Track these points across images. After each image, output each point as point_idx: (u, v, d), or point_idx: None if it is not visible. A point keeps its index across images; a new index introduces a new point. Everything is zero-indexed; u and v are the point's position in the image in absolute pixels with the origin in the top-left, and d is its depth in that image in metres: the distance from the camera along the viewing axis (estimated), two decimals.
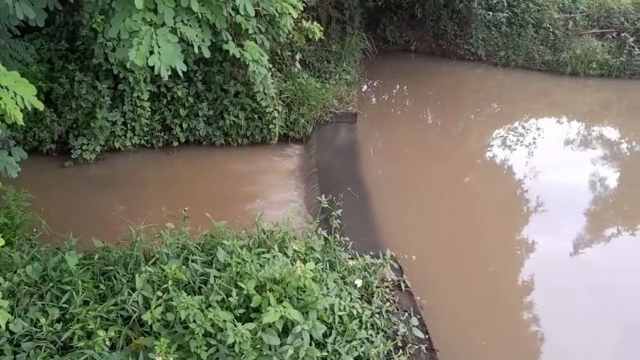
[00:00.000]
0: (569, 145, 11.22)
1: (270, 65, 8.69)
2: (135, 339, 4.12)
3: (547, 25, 15.17)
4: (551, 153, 10.61)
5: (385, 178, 9.09)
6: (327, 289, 4.61)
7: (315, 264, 4.72)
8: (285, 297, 4.25)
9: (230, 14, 4.74)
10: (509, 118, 12.64)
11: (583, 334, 5.78)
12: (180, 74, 4.35)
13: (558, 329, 5.85)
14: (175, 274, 4.31)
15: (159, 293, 4.26)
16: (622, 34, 14.98)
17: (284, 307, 4.00)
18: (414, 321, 4.91)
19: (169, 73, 4.25)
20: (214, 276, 4.43)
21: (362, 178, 8.51)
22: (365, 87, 13.71)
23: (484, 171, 10.08)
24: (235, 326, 3.84)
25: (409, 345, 4.67)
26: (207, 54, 4.55)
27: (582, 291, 6.46)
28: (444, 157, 10.16)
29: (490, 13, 15.23)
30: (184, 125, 9.14)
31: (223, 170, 8.96)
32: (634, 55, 14.68)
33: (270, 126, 9.35)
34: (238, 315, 4.10)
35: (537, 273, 6.83)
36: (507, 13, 15.16)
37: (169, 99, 9.04)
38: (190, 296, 4.05)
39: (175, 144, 9.21)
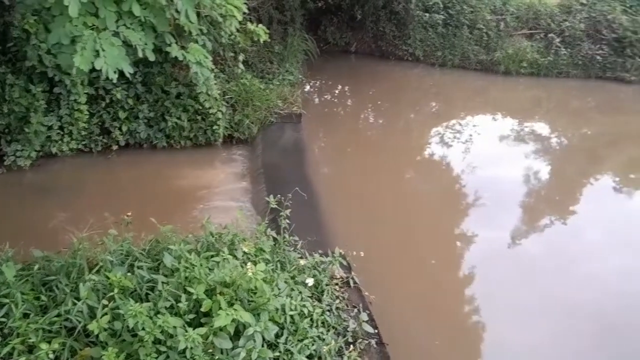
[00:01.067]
0: (504, 141, 11.67)
1: (213, 66, 8.57)
2: (80, 350, 3.96)
3: (481, 26, 15.69)
4: (487, 149, 10.99)
5: (331, 177, 9.15)
6: (278, 289, 4.59)
7: (266, 264, 4.69)
8: (236, 299, 4.19)
9: (173, 17, 4.64)
10: (446, 116, 13.00)
11: (521, 320, 5.99)
12: (128, 76, 4.24)
13: (499, 317, 6.06)
14: (121, 281, 4.16)
15: (105, 302, 4.10)
16: (549, 35, 15.72)
17: (235, 310, 3.95)
18: (364, 316, 4.97)
19: (116, 75, 4.13)
20: (162, 282, 4.31)
21: (309, 177, 8.53)
22: (308, 87, 13.76)
23: (425, 168, 10.33)
24: (186, 331, 3.76)
25: (359, 340, 4.72)
26: (151, 57, 4.45)
27: (519, 280, 6.70)
28: (386, 155, 10.32)
29: (427, 14, 15.59)
30: (124, 128, 8.83)
31: (166, 173, 8.73)
32: (560, 55, 15.44)
33: (215, 127, 9.20)
34: (188, 320, 4.01)
35: (477, 264, 7.04)
36: (442, 14, 15.55)
37: (107, 101, 8.70)
38: (137, 303, 3.93)
39: (115, 147, 8.88)
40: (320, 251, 5.67)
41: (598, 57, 15.50)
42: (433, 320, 5.95)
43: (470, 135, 11.70)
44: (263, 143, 9.57)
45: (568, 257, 7.38)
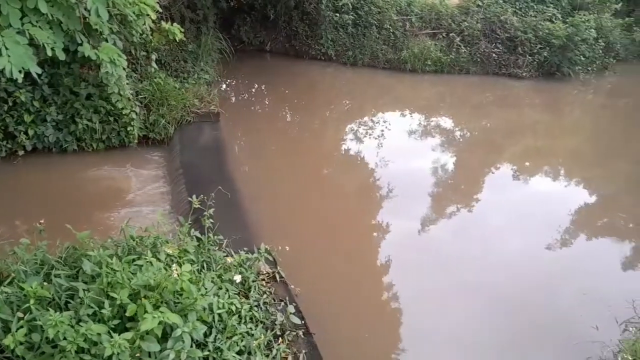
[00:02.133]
0: (413, 135, 12.15)
1: (124, 66, 8.21)
2: None
3: (388, 26, 16.17)
4: (398, 143, 11.37)
5: (252, 174, 9.08)
6: (205, 289, 4.50)
7: (191, 265, 4.58)
8: (162, 302, 4.07)
9: (83, 15, 4.39)
10: (359, 113, 13.31)
11: (437, 302, 6.24)
12: (35, 76, 3.95)
13: (416, 300, 6.29)
14: (37, 291, 3.90)
15: (20, 314, 3.83)
16: (451, 34, 16.53)
17: (162, 312, 3.83)
18: (291, 309, 4.99)
19: (22, 75, 3.85)
20: (82, 289, 4.09)
21: (230, 176, 8.41)
22: (225, 86, 13.54)
23: (342, 163, 10.51)
24: (111, 338, 3.60)
25: (287, 332, 4.74)
26: (61, 56, 4.17)
27: (432, 265, 6.98)
28: (304, 151, 10.41)
29: (338, 15, 15.83)
30: (30, 132, 8.18)
31: (79, 178, 8.24)
32: (461, 53, 16.29)
33: (129, 128, 8.79)
34: (113, 326, 3.84)
35: (393, 252, 7.25)
36: (352, 15, 15.86)
37: (10, 104, 8.02)
38: (57, 313, 3.71)
39: (21, 152, 8.23)
40: (245, 248, 5.62)
41: (494, 55, 16.53)
42: (356, 308, 6.09)
43: (382, 130, 12.06)
44: (181, 143, 9.30)
45: (474, 241, 7.77)
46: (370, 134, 11.81)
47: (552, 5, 17.82)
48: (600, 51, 17.84)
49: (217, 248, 5.39)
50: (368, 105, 13.95)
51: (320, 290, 6.08)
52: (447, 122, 13.39)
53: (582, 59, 16.92)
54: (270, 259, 5.59)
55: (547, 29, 16.49)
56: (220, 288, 4.69)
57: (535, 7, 17.65)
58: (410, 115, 13.56)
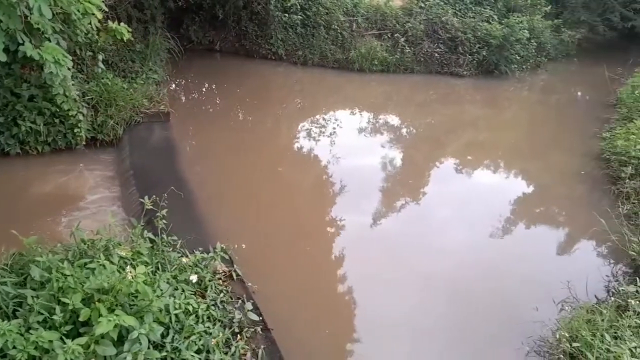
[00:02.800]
0: (362, 133, 12.25)
1: (69, 66, 7.85)
2: None
3: (336, 27, 16.21)
4: (349, 140, 11.41)
5: (205, 174, 8.89)
6: (161, 290, 4.37)
7: (145, 267, 4.44)
8: (117, 305, 3.92)
9: (24, 14, 4.14)
10: (311, 112, 13.29)
11: (389, 293, 6.30)
12: None
13: (370, 292, 6.32)
14: None
15: None
16: (395, 35, 16.75)
17: (117, 315, 3.69)
18: (248, 306, 4.93)
19: None
20: (31, 296, 3.89)
21: (183, 176, 8.21)
22: (175, 86, 13.22)
23: (295, 161, 10.46)
24: (64, 344, 3.44)
25: (246, 329, 4.68)
26: (2, 57, 3.92)
27: (383, 258, 7.03)
28: (258, 150, 10.29)
29: (286, 15, 15.73)
30: None
31: (24, 182, 7.82)
32: (405, 53, 16.54)
33: (75, 130, 8.41)
34: (65, 332, 3.67)
35: (347, 246, 7.27)
36: (300, 15, 15.80)
37: None
38: (5, 321, 3.50)
39: None
40: (201, 248, 5.50)
41: (436, 55, 16.88)
42: (313, 301, 6.08)
43: (334, 128, 12.09)
44: (130, 144, 9.00)
45: (422, 233, 7.92)
46: (322, 132, 11.82)
47: (488, 7, 18.37)
48: (533, 50, 18.58)
49: (171, 249, 5.25)
50: (319, 103, 13.96)
51: (278, 286, 6.03)
52: (394, 120, 13.57)
53: (518, 57, 17.54)
54: (227, 257, 5.49)
55: (485, 30, 16.98)
56: (176, 289, 4.57)
57: (473, 8, 18.14)
58: (360, 114, 13.66)
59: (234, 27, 15.94)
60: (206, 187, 8.15)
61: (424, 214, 8.70)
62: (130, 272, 3.98)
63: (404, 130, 13.08)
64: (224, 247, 5.45)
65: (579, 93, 18.61)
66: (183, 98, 13.10)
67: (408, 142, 12.22)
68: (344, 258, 7.14)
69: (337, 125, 12.36)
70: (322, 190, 9.31)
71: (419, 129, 13.32)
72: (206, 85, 14.02)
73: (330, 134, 11.72)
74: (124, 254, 4.60)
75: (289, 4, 15.63)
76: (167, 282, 4.57)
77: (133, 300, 4.05)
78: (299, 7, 15.75)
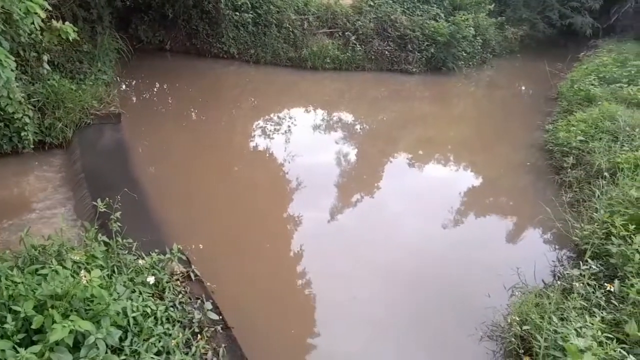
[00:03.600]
0: (317, 130, 12.31)
1: (13, 67, 7.50)
2: None
3: (287, 25, 16.17)
4: (304, 138, 11.45)
5: (159, 174, 8.72)
6: (117, 293, 4.28)
7: (101, 270, 4.33)
8: (71, 310, 3.81)
9: None
10: (265, 110, 13.24)
11: (347, 284, 6.39)
12: None
13: (329, 285, 6.39)
14: None
15: None
16: (346, 33, 16.90)
17: (72, 320, 3.59)
18: (208, 306, 4.89)
19: None
20: None
21: (136, 178, 8.02)
22: (125, 87, 12.88)
23: (251, 159, 10.41)
24: (17, 353, 3.32)
25: (206, 329, 4.64)
26: None
27: (341, 251, 7.12)
28: (213, 149, 10.18)
29: (237, 14, 15.58)
30: None
31: None
32: (356, 51, 16.72)
33: (22, 134, 8.08)
34: (18, 341, 3.54)
35: (305, 242, 7.31)
36: (252, 14, 15.68)
37: None
38: None
39: None
40: (157, 250, 5.40)
41: (387, 52, 17.15)
42: (273, 298, 6.08)
43: (288, 126, 12.10)
44: (81, 146, 8.71)
45: (378, 226, 8.02)
46: (277, 130, 11.80)
47: (435, 5, 18.81)
48: (479, 47, 19.19)
49: (127, 251, 5.14)
50: (273, 102, 13.92)
51: (237, 284, 6.00)
52: (347, 117, 13.70)
53: (464, 54, 18.07)
54: (184, 258, 5.42)
55: (432, 28, 17.38)
56: (133, 291, 4.48)
57: (421, 7, 18.53)
58: (314, 111, 13.72)
59: (185, 26, 15.65)
60: (161, 188, 8.01)
61: (379, 207, 8.82)
62: (85, 277, 3.87)
63: (357, 127, 13.23)
64: (181, 247, 5.37)
65: (523, 88, 19.33)
66: (134, 99, 12.77)
67: (362, 138, 12.36)
68: (303, 254, 7.17)
69: (292, 123, 12.38)
70: (279, 187, 9.30)
71: (371, 125, 13.50)
72: (158, 85, 13.72)
73: (285, 131, 11.72)
74: (78, 259, 4.48)
75: (239, 3, 15.49)
76: (124, 285, 4.47)
77: (89, 305, 3.95)
78: (249, 5, 15.62)
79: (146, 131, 10.65)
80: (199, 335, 4.53)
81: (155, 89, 13.53)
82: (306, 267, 6.86)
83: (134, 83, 13.56)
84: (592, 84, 13.62)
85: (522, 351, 4.71)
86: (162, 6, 14.99)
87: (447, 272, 6.75)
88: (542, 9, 24.97)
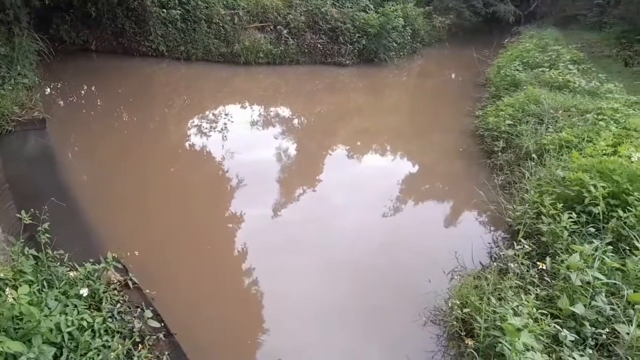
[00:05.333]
0: (255, 126, 12.17)
1: None
2: None
3: (217, 20, 15.89)
4: (241, 134, 11.30)
5: (91, 180, 8.32)
6: (49, 308, 4.04)
7: (30, 286, 4.07)
8: None
9: None
10: (199, 107, 12.95)
11: (294, 280, 6.36)
12: None
13: (276, 282, 6.32)
14: None
15: None
16: (278, 27, 16.80)
17: (0, 342, 3.36)
18: (148, 314, 4.71)
19: None
20: None
21: (66, 185, 7.61)
22: (50, 90, 12.20)
23: (188, 158, 10.14)
24: None
25: (147, 337, 4.48)
26: None
27: (286, 246, 7.05)
28: (147, 150, 9.84)
29: (165, 10, 15.13)
30: None
31: None
32: (289, 45, 16.67)
33: None
34: None
35: (249, 240, 7.20)
36: (179, 10, 15.28)
37: None
38: None
39: None
40: (91, 259, 5.15)
41: (319, 46, 17.22)
42: (218, 300, 5.95)
43: (225, 123, 11.89)
44: (3, 155, 8.17)
45: (321, 219, 8.03)
46: (213, 128, 11.56)
47: None
48: (409, 37, 19.63)
49: (58, 264, 4.86)
50: (207, 99, 13.63)
51: (179, 289, 5.83)
52: (284, 111, 13.64)
53: (395, 45, 18.43)
54: (120, 266, 5.19)
55: (362, 19, 17.60)
56: (66, 305, 4.25)
57: None
58: (250, 107, 13.56)
59: (110, 25, 15.00)
60: (93, 194, 7.65)
61: (321, 200, 8.83)
62: (11, 294, 3.63)
63: (295, 121, 13.20)
64: (116, 255, 5.14)
65: (453, 75, 19.98)
66: (60, 102, 12.12)
67: (300, 132, 12.35)
68: (247, 252, 7.06)
69: (228, 120, 12.18)
70: (219, 186, 9.13)
71: (309, 119, 13.51)
72: (85, 87, 13.10)
73: (222, 129, 11.51)
74: (3, 275, 4.19)
75: None
76: (56, 299, 4.23)
77: (18, 324, 3.71)
78: (177, 1, 15.21)
79: (74, 135, 10.14)
80: (140, 344, 4.36)
81: (82, 91, 12.91)
82: (250, 265, 6.77)
83: (59, 86, 12.88)
84: (517, 69, 14.24)
85: (464, 333, 4.82)
86: (84, 4, 14.30)
87: (390, 259, 6.85)
88: None
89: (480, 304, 4.68)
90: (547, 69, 13.56)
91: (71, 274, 4.70)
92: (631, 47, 17.47)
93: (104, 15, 14.69)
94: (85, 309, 4.40)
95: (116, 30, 15.13)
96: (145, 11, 14.75)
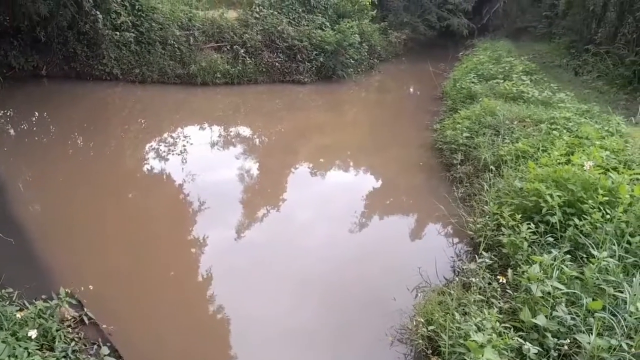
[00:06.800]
0: (215, 147, 12.03)
1: None
2: None
3: (172, 42, 15.74)
4: (202, 156, 11.14)
5: (44, 212, 8.00)
6: None
7: None
8: None
9: None
10: (157, 130, 12.72)
11: (262, 301, 6.20)
12: None
13: (243, 305, 6.15)
14: None
15: None
16: (235, 47, 16.77)
17: None
18: (104, 350, 4.50)
19: None
20: None
21: (15, 218, 7.29)
22: None
23: (146, 184, 9.91)
24: None
25: None
26: None
27: (251, 267, 6.91)
28: (103, 177, 9.55)
29: (118, 33, 14.90)
30: None
31: None
32: (247, 64, 16.64)
33: None
34: None
35: (213, 264, 7.02)
36: (133, 32, 15.07)
37: None
38: None
39: None
40: (44, 296, 4.92)
41: (277, 64, 17.26)
42: (182, 328, 5.75)
43: (184, 146, 11.69)
44: None
45: (286, 238, 7.95)
46: (172, 151, 11.35)
47: (320, 14, 19.26)
48: (366, 53, 19.92)
49: (6, 303, 4.61)
50: (165, 121, 13.42)
51: (139, 321, 5.61)
52: (245, 131, 13.55)
53: (352, 61, 18.65)
54: (74, 302, 4.97)
55: (319, 37, 17.77)
56: (15, 348, 4.01)
57: (306, 17, 18.88)
58: (210, 128, 13.41)
59: (61, 49, 14.66)
60: (46, 226, 7.35)
61: (286, 218, 8.76)
62: None
63: (256, 140, 13.12)
64: (69, 290, 4.92)
65: (411, 89, 20.36)
66: (10, 130, 11.71)
67: (262, 151, 12.27)
68: (212, 277, 6.90)
69: (187, 141, 11.99)
70: (179, 210, 8.93)
71: (270, 137, 13.45)
72: (36, 113, 12.70)
73: (181, 151, 11.31)
74: None
75: (119, 22, 14.80)
76: (4, 342, 3.99)
77: None
78: (130, 24, 15.01)
79: (25, 164, 9.77)
80: None
81: (33, 118, 12.50)
82: (217, 290, 6.60)
83: (8, 113, 12.47)
84: (473, 82, 14.53)
85: (431, 351, 4.78)
86: (33, 29, 13.92)
87: (356, 277, 6.80)
88: (421, 13, 26.59)
89: (444, 320, 4.66)
90: (502, 81, 13.87)
91: (18, 315, 4.44)
92: (580, 57, 18.18)
93: (54, 39, 14.35)
94: (37, 349, 4.17)
95: (67, 54, 14.78)
96: (98, 34, 14.47)
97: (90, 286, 5.08)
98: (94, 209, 8.29)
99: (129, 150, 11.61)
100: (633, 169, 6.76)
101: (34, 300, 4.79)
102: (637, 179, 6.35)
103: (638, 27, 15.16)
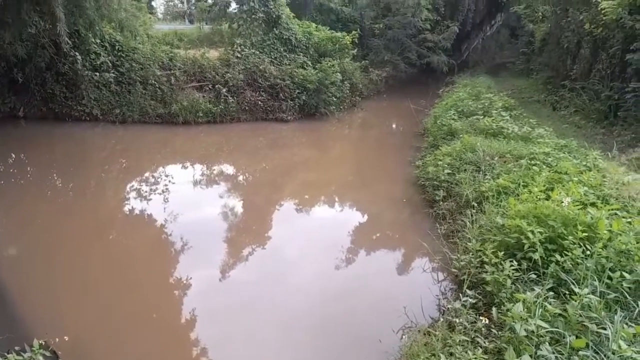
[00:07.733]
0: (198, 185, 12.04)
1: None
2: None
3: (153, 81, 15.91)
4: (185, 195, 11.13)
5: (19, 258, 7.87)
6: None
7: None
8: None
9: None
10: (138, 170, 12.71)
11: (251, 341, 6.14)
12: None
13: (230, 346, 6.09)
14: None
15: None
16: (217, 86, 17.00)
17: None
18: None
19: None
20: None
21: None
22: None
23: (128, 224, 9.83)
24: None
25: None
26: None
27: (238, 307, 6.83)
28: (83, 219, 9.46)
29: (97, 74, 15.03)
30: None
31: None
32: (229, 103, 16.85)
33: None
34: None
35: (198, 306, 6.92)
36: (113, 73, 15.22)
37: None
38: None
39: None
40: (17, 348, 4.80)
41: (260, 103, 17.51)
42: None
43: (166, 185, 11.69)
44: None
45: (273, 275, 7.88)
46: (153, 190, 11.34)
47: (302, 53, 19.68)
48: (348, 91, 20.33)
49: None
50: (146, 161, 13.44)
51: None
52: (228, 169, 13.62)
53: (334, 99, 18.99)
54: (48, 354, 4.84)
55: (301, 75, 18.11)
56: None
57: (287, 56, 19.28)
58: (192, 166, 13.46)
59: (39, 90, 14.72)
60: (21, 273, 7.21)
61: (271, 256, 8.69)
62: None
63: (240, 178, 13.18)
64: (43, 342, 4.80)
65: (393, 126, 20.70)
66: None
67: (246, 189, 12.31)
68: (197, 318, 6.79)
69: (169, 181, 12.00)
70: (161, 252, 8.84)
71: (254, 175, 13.52)
72: (13, 155, 12.64)
73: (163, 190, 11.30)
74: None
75: (98, 62, 14.95)
76: None
77: None
78: (110, 64, 15.16)
79: (3, 208, 9.65)
80: None
81: (10, 160, 12.44)
82: (202, 332, 6.48)
83: None
84: (453, 118, 14.73)
85: None
86: (9, 71, 13.98)
87: (342, 315, 6.71)
88: (401, 50, 27.27)
89: None
90: (482, 117, 14.03)
91: None
92: (557, 92, 18.72)
93: (31, 80, 14.42)
94: None
95: (46, 95, 14.83)
96: (77, 75, 14.58)
97: (65, 337, 4.98)
98: (73, 253, 8.19)
99: (109, 190, 11.56)
100: (611, 204, 6.92)
101: (6, 354, 4.67)
102: (615, 214, 6.52)
103: (611, 64, 15.74)
